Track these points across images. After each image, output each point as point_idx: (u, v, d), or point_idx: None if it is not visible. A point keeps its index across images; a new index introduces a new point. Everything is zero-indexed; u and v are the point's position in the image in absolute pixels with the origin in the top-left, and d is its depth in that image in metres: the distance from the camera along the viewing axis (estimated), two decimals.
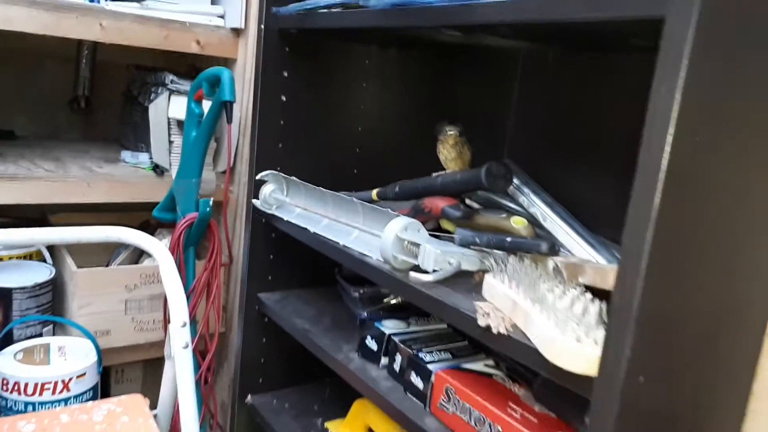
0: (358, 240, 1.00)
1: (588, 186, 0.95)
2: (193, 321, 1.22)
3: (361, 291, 1.11)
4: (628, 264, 0.56)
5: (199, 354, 1.26)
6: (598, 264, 0.76)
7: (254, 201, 1.18)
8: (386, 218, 0.94)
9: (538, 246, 0.81)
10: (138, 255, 1.43)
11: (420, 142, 1.26)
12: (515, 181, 0.93)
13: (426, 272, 0.83)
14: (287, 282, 1.32)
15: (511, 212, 0.94)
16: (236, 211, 1.38)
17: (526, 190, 0.93)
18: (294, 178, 1.14)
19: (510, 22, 0.68)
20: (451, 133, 0.97)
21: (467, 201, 1.05)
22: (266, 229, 1.25)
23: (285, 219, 1.12)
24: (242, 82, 1.33)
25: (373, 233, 0.95)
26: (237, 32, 1.35)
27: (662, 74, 0.53)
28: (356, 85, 1.30)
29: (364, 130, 1.33)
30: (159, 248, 1.04)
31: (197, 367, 1.22)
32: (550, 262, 0.82)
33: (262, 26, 1.19)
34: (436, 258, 0.83)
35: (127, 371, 1.57)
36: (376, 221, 0.97)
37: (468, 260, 0.85)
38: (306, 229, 1.07)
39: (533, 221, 0.91)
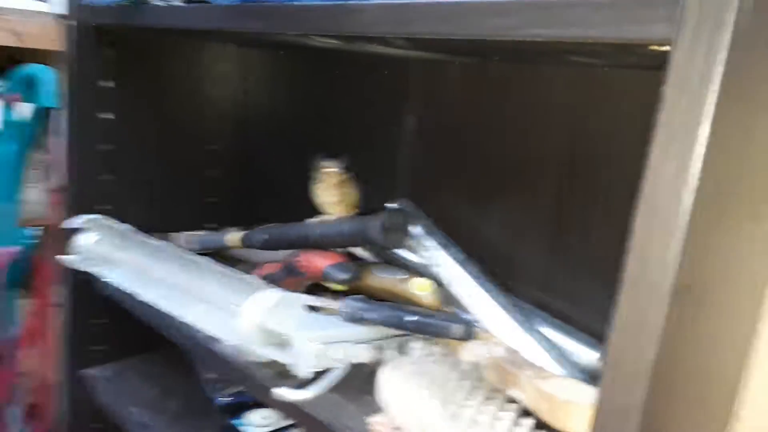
0: (207, 315, 0.74)
1: (507, 232, 0.76)
2: (22, 374, 1.05)
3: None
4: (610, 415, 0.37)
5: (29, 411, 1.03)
6: (543, 382, 0.55)
7: (64, 258, 0.86)
8: (247, 289, 0.69)
9: (448, 328, 0.61)
10: None
11: (296, 164, 1.01)
12: (418, 230, 0.72)
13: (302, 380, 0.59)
14: (122, 349, 1.01)
15: (413, 270, 0.73)
16: None
17: (428, 242, 0.72)
18: (125, 225, 0.85)
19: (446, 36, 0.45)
20: (332, 170, 0.74)
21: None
22: (90, 286, 0.94)
23: (107, 280, 0.83)
24: None
25: (229, 308, 0.69)
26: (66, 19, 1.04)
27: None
28: (209, 92, 1.03)
29: (222, 148, 1.06)
30: None
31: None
32: (466, 353, 0.62)
33: (75, 23, 0.88)
34: (318, 354, 0.59)
35: None
36: (234, 291, 0.71)
37: (360, 350, 0.63)
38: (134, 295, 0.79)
39: (441, 284, 0.71)
